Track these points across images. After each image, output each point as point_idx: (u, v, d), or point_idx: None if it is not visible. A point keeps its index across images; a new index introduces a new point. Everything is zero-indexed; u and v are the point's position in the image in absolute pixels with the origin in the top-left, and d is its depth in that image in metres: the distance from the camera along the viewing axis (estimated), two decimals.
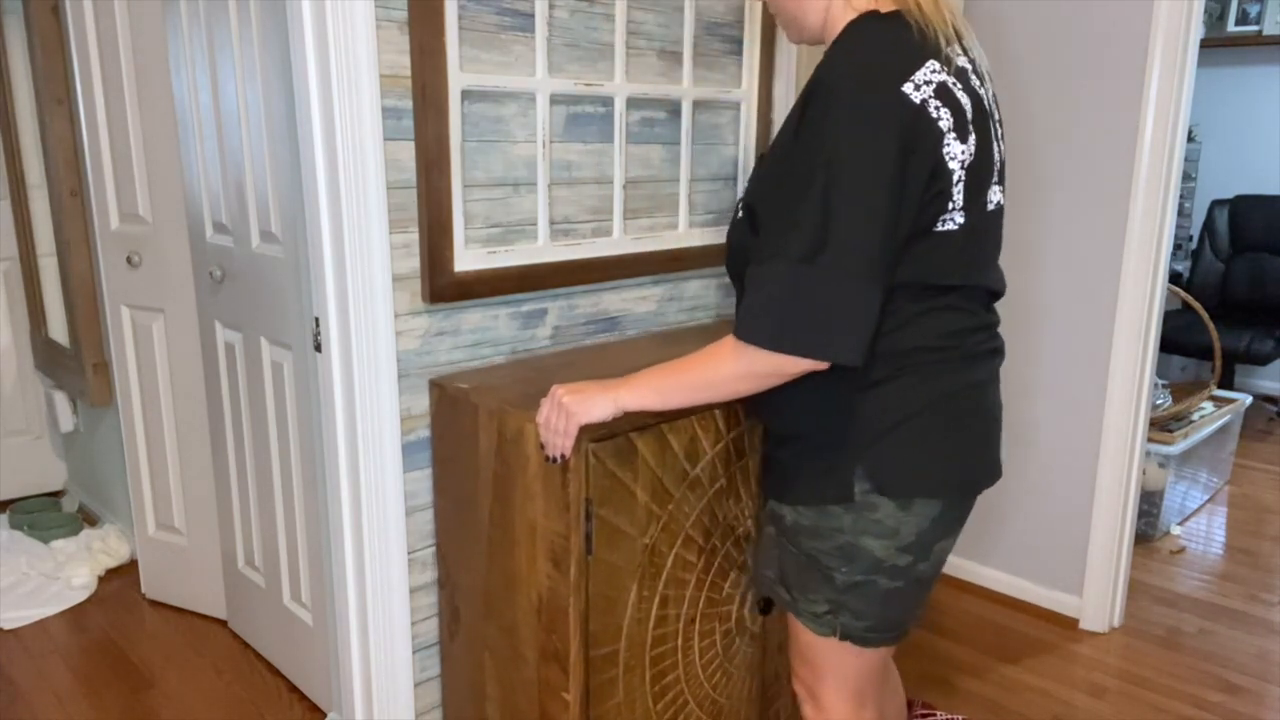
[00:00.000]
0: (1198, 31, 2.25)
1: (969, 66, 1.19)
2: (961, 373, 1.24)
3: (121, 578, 2.77)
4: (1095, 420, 2.48)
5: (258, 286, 2.03)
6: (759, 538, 1.47)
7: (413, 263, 1.67)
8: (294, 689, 2.24)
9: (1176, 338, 4.10)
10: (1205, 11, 2.39)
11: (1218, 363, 3.51)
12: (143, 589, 2.65)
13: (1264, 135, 4.67)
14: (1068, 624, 2.58)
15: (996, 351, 1.33)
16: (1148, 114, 2.27)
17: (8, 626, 2.50)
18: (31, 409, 3.33)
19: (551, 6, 1.76)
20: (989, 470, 1.30)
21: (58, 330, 2.99)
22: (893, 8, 1.16)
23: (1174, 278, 4.55)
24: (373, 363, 1.64)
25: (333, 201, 1.58)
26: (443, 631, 1.82)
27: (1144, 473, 2.69)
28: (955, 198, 1.14)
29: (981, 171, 1.17)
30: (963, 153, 1.14)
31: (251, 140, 1.93)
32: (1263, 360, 4.24)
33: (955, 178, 1.13)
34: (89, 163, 2.38)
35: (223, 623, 2.52)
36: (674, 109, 2.02)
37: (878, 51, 1.12)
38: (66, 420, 3.10)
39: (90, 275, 2.66)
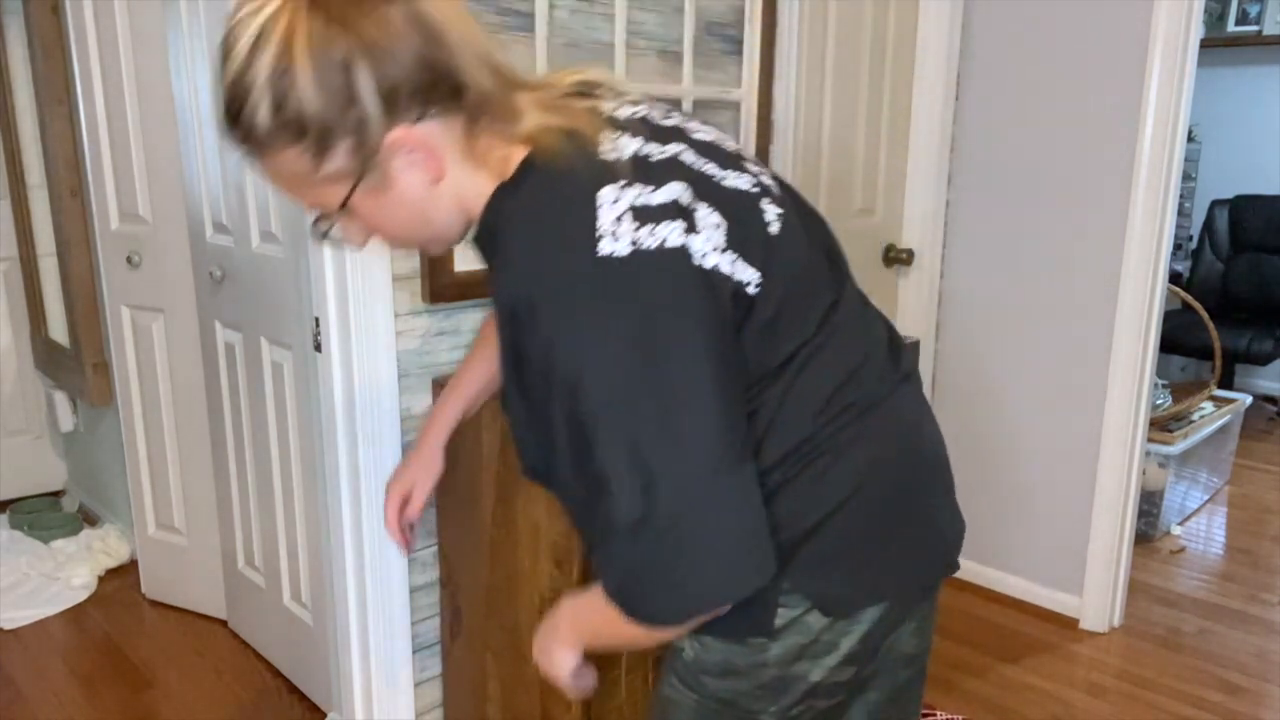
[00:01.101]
0: (1198, 31, 2.25)
1: (643, 135, 0.91)
2: (872, 430, 0.97)
3: (121, 578, 2.77)
4: (1095, 420, 2.48)
5: (258, 286, 2.03)
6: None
7: (413, 262, 1.67)
8: (294, 689, 2.23)
9: (1176, 338, 4.10)
10: (1205, 11, 2.39)
11: (1218, 363, 3.51)
12: (143, 589, 2.65)
13: (1264, 135, 4.67)
14: (1068, 624, 2.58)
15: (898, 373, 1.03)
16: (1148, 114, 2.27)
17: (8, 626, 2.50)
18: (31, 409, 3.33)
19: (551, 6, 1.76)
20: (945, 539, 1.05)
21: (58, 330, 2.99)
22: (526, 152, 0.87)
23: (1174, 278, 4.54)
24: (373, 363, 1.64)
25: None
26: (444, 631, 1.82)
27: (1144, 473, 2.69)
28: (740, 276, 0.87)
29: (742, 219, 0.90)
30: (717, 233, 0.86)
31: None
32: (1263, 360, 4.24)
33: (729, 264, 0.86)
34: (89, 163, 2.38)
35: (223, 623, 2.52)
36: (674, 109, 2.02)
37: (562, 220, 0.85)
38: (66, 420, 3.10)
39: (90, 275, 2.66)
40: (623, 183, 0.83)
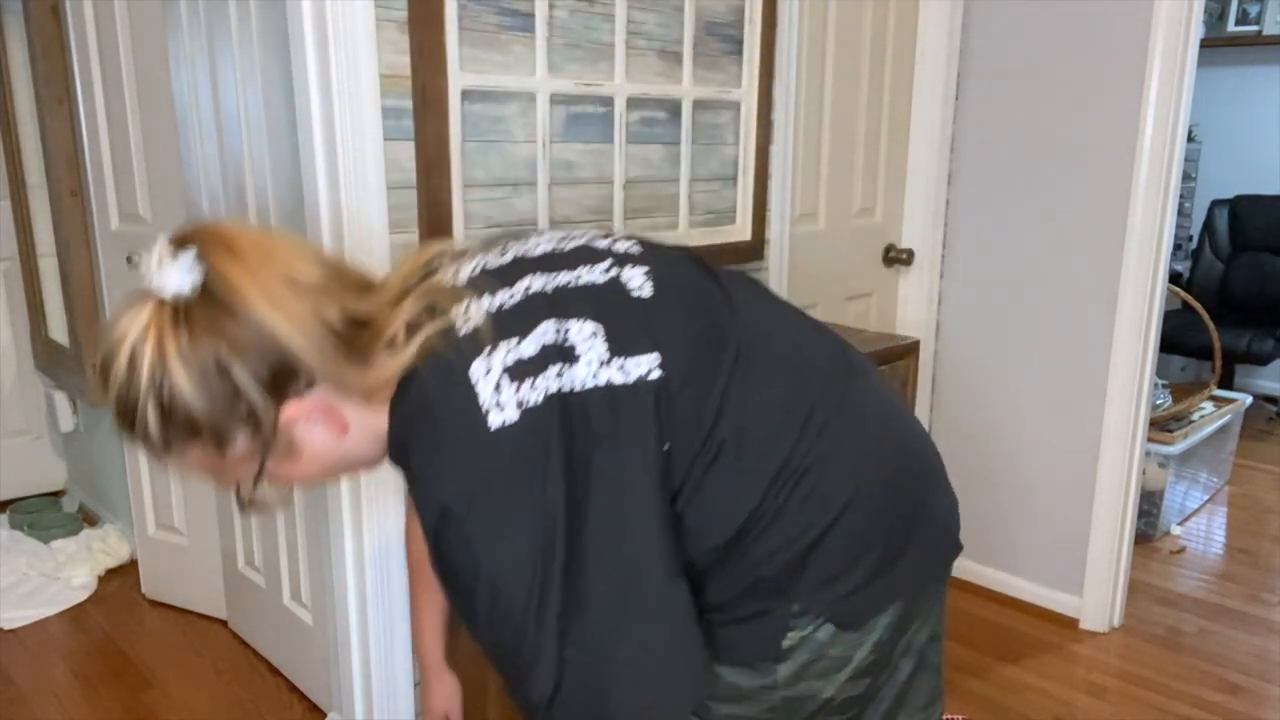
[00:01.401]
0: (1198, 32, 2.25)
1: (490, 288, 0.90)
2: (844, 436, 0.95)
3: (121, 578, 2.77)
4: (1095, 420, 2.48)
5: None
6: None
7: None
8: (294, 689, 2.23)
9: (1176, 338, 4.10)
10: (1205, 11, 2.39)
11: (1218, 363, 3.51)
12: (143, 589, 2.65)
13: (1264, 135, 4.67)
14: (1068, 624, 2.58)
15: (848, 374, 1.01)
16: (1148, 114, 2.27)
17: (8, 626, 2.50)
18: (31, 409, 3.33)
19: (551, 6, 1.76)
20: (944, 522, 1.05)
21: (58, 330, 2.99)
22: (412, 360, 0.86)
23: (1174, 278, 4.54)
24: None
25: (333, 201, 1.58)
26: (445, 626, 1.81)
27: (1144, 473, 2.69)
28: (636, 374, 0.86)
29: (613, 310, 0.89)
30: (597, 343, 0.86)
31: (251, 140, 1.93)
32: (1263, 360, 4.24)
33: (620, 371, 0.86)
34: (89, 163, 2.38)
35: (223, 623, 2.52)
36: (674, 109, 2.02)
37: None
38: (66, 420, 3.10)
39: (90, 275, 2.66)
40: (487, 349, 0.84)
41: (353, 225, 1.58)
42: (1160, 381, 3.25)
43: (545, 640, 0.83)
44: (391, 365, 0.84)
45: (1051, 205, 2.49)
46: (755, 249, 2.25)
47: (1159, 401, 3.18)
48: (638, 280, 0.93)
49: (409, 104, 1.60)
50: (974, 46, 2.57)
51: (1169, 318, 2.80)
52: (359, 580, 1.74)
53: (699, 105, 2.07)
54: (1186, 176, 4.70)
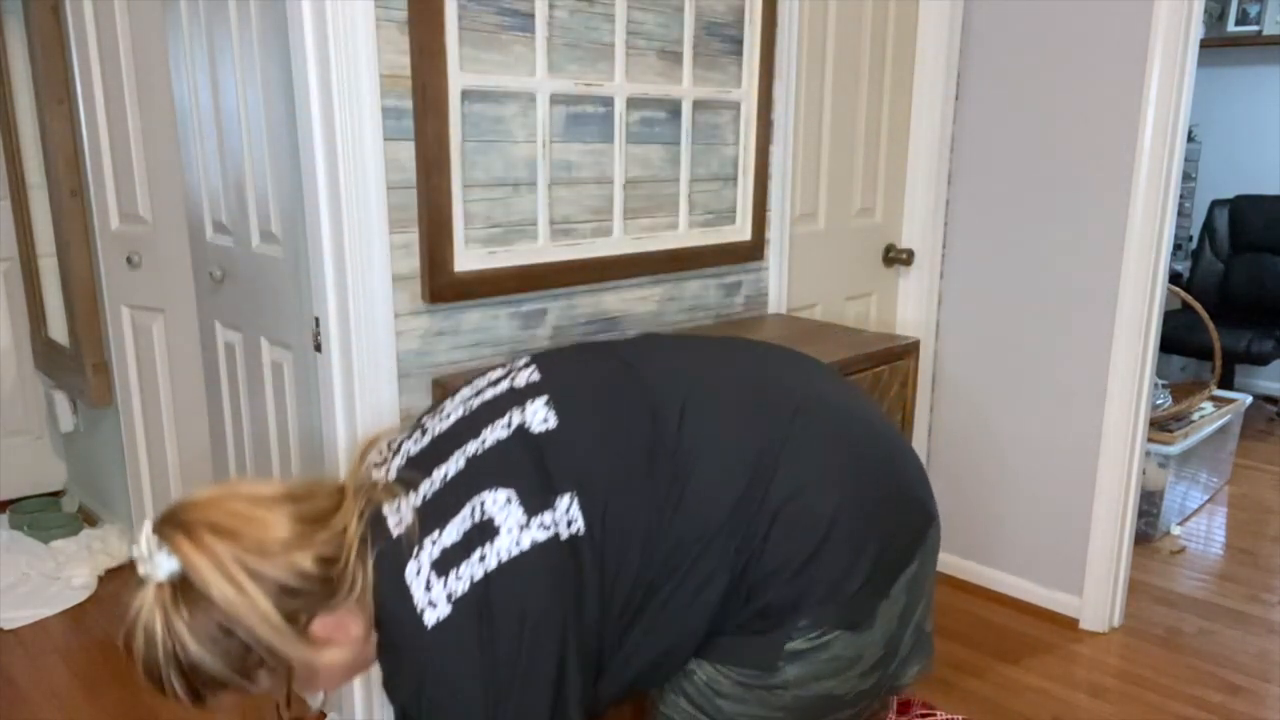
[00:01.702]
0: (1198, 31, 2.25)
1: (415, 481, 0.99)
2: (807, 463, 0.99)
3: (121, 578, 2.76)
4: (1095, 420, 2.48)
5: (258, 286, 2.03)
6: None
7: (413, 263, 1.67)
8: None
9: (1176, 338, 4.10)
10: (1205, 11, 2.39)
11: (1218, 363, 3.51)
12: None
13: (1264, 135, 4.67)
14: (1068, 624, 2.58)
15: (798, 400, 1.04)
16: (1148, 114, 2.27)
17: (8, 626, 2.50)
18: (31, 409, 3.33)
19: (551, 6, 1.76)
20: (917, 495, 1.07)
21: (58, 330, 2.99)
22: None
23: (1174, 278, 4.54)
24: (373, 363, 1.64)
25: (333, 201, 1.58)
26: None
27: (1144, 473, 2.70)
28: (557, 526, 0.92)
29: (521, 467, 0.96)
30: (513, 509, 0.92)
31: (251, 140, 1.93)
32: (1263, 360, 4.24)
33: (540, 529, 0.92)
34: (89, 163, 2.38)
35: None
36: (674, 109, 2.02)
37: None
38: (66, 420, 3.10)
39: (90, 275, 2.66)
40: (415, 550, 0.92)
41: (352, 225, 1.58)
42: (1160, 381, 3.25)
43: None
44: (358, 585, 0.94)
45: (1051, 205, 2.49)
46: (755, 249, 2.25)
47: (1159, 401, 3.18)
48: (540, 415, 0.99)
49: (409, 104, 1.60)
50: (974, 46, 2.58)
51: (1169, 318, 2.80)
52: None
53: (699, 105, 2.07)
54: (1186, 176, 4.70)
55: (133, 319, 2.43)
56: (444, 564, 0.91)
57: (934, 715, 2.15)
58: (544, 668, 0.90)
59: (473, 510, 0.93)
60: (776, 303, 2.35)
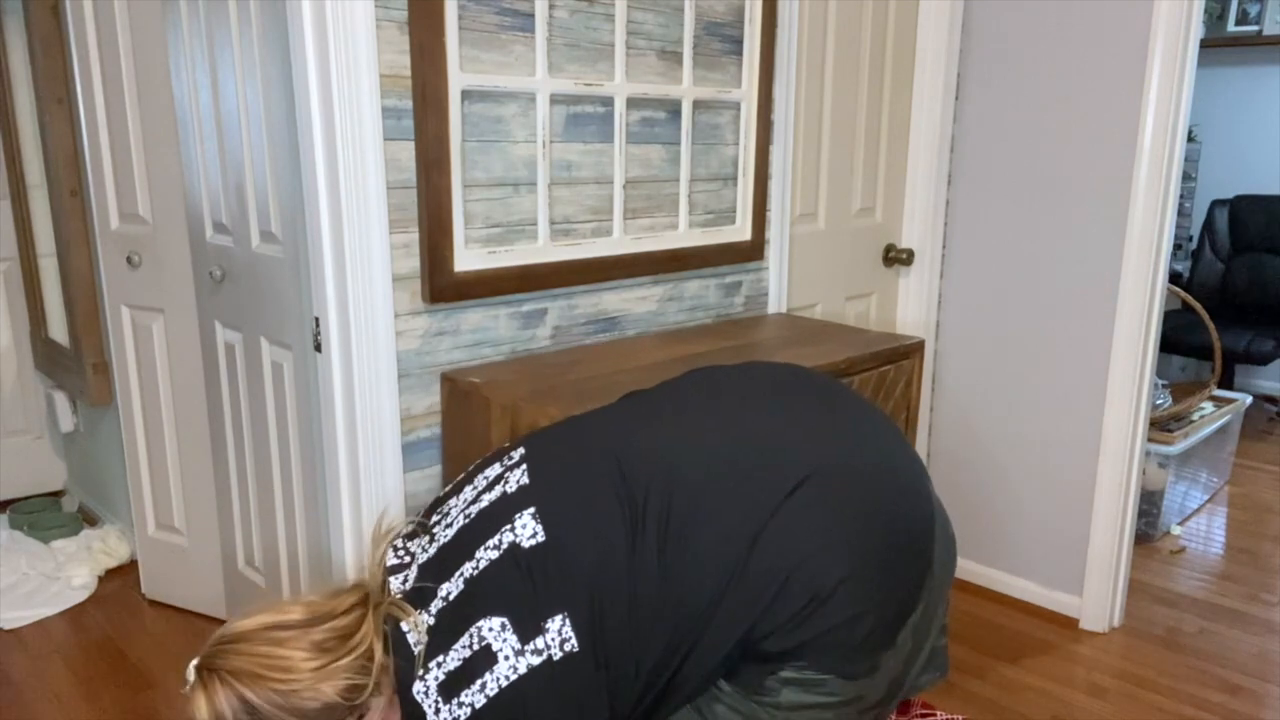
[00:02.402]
0: (1198, 31, 2.25)
1: (425, 600, 1.06)
2: (817, 527, 1.00)
3: (121, 578, 2.77)
4: (1095, 420, 2.48)
5: (258, 286, 2.03)
6: None
7: (413, 263, 1.67)
8: None
9: (1176, 338, 4.10)
10: (1205, 11, 2.39)
11: (1218, 363, 3.51)
12: (143, 589, 2.65)
13: (1264, 135, 4.67)
14: (1068, 624, 2.58)
15: (812, 462, 1.05)
16: (1148, 114, 2.27)
17: (8, 626, 2.50)
18: (31, 409, 3.33)
19: (551, 6, 1.76)
20: (922, 543, 1.06)
21: (58, 330, 2.99)
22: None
23: (1174, 278, 4.55)
24: (373, 363, 1.64)
25: (333, 201, 1.58)
26: None
27: (1144, 473, 2.69)
28: (550, 646, 0.99)
29: (514, 588, 1.02)
30: (509, 635, 1.00)
31: (251, 140, 1.93)
32: (1263, 360, 4.24)
33: (536, 651, 0.99)
34: (89, 163, 2.38)
35: (222, 623, 2.51)
36: (674, 109, 2.02)
37: None
38: (66, 420, 3.10)
39: (90, 275, 2.66)
40: (421, 672, 1.00)
41: (353, 225, 1.58)
42: (1160, 381, 3.25)
43: None
44: (384, 692, 1.02)
45: (1051, 205, 2.49)
46: (755, 249, 2.25)
47: (1159, 401, 3.18)
48: (529, 529, 1.03)
49: (409, 104, 1.60)
50: (974, 46, 2.58)
51: (1169, 318, 2.80)
52: None
53: (699, 105, 2.07)
54: (1186, 176, 4.69)
55: (133, 319, 2.43)
56: (449, 690, 0.99)
57: (934, 715, 2.15)
58: None
59: (470, 638, 1.00)
60: (776, 302, 2.35)
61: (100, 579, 2.76)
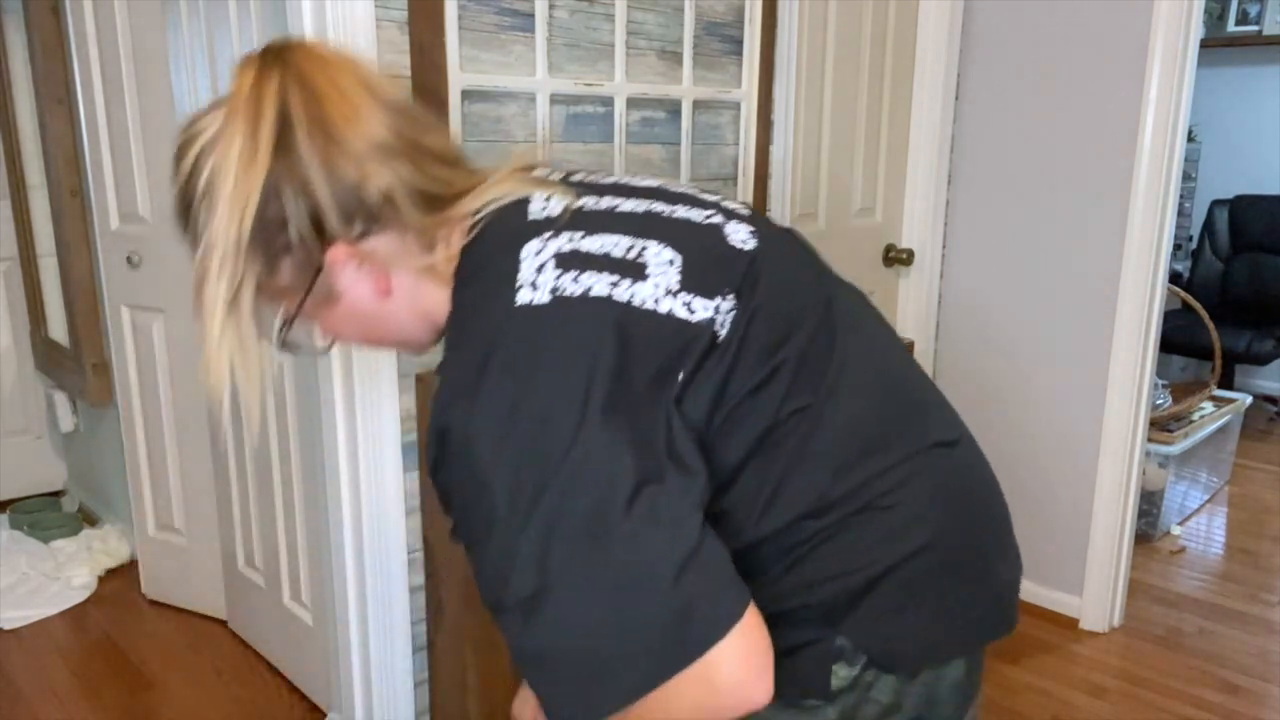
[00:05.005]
0: (1198, 31, 2.26)
1: (577, 191, 0.86)
2: (922, 478, 0.87)
3: (121, 578, 2.77)
4: (1095, 420, 2.48)
5: None
6: None
7: None
8: (294, 689, 2.23)
9: (1176, 338, 4.10)
10: (1205, 11, 2.39)
11: (1218, 363, 3.51)
12: (143, 589, 2.65)
13: (1264, 135, 4.67)
14: (1068, 624, 2.58)
15: (938, 421, 0.96)
16: (1148, 114, 2.27)
17: (8, 626, 2.50)
18: (31, 409, 3.33)
19: (551, 6, 1.76)
20: (1003, 596, 0.95)
21: (58, 330, 2.99)
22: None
23: (1174, 278, 4.54)
24: (373, 363, 1.64)
25: None
26: (429, 624, 1.82)
27: (1144, 473, 2.69)
28: (701, 316, 0.77)
29: (700, 249, 0.82)
30: (670, 271, 0.78)
31: None
32: (1263, 360, 4.24)
33: (684, 307, 0.77)
34: (89, 163, 2.38)
35: (223, 623, 2.52)
36: (674, 109, 2.02)
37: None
38: (66, 420, 3.10)
39: (90, 275, 2.66)
40: (548, 234, 0.79)
41: None
42: (1160, 381, 3.25)
43: (523, 546, 0.71)
44: (466, 236, 0.82)
45: (1051, 205, 2.49)
46: None
47: (1159, 401, 3.18)
48: (740, 235, 0.85)
49: None
50: (974, 46, 2.58)
51: (1169, 318, 2.80)
52: (359, 580, 1.74)
53: (699, 105, 2.07)
54: (1186, 176, 4.70)
55: (133, 319, 2.43)
56: (568, 261, 0.76)
57: None
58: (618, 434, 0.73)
59: (629, 247, 0.79)
60: None
61: (100, 579, 2.76)
